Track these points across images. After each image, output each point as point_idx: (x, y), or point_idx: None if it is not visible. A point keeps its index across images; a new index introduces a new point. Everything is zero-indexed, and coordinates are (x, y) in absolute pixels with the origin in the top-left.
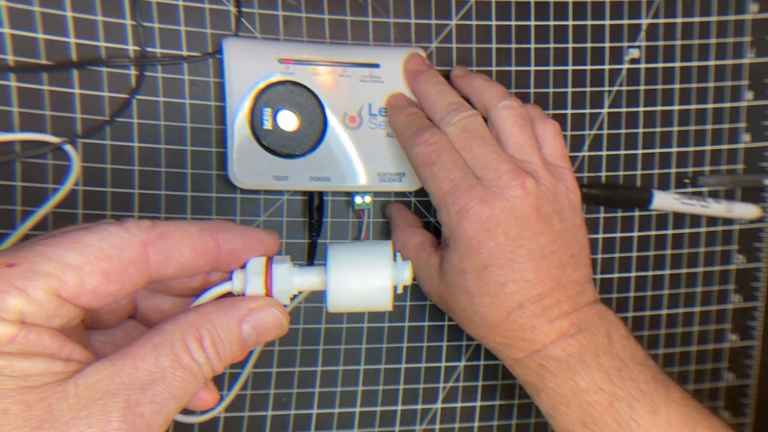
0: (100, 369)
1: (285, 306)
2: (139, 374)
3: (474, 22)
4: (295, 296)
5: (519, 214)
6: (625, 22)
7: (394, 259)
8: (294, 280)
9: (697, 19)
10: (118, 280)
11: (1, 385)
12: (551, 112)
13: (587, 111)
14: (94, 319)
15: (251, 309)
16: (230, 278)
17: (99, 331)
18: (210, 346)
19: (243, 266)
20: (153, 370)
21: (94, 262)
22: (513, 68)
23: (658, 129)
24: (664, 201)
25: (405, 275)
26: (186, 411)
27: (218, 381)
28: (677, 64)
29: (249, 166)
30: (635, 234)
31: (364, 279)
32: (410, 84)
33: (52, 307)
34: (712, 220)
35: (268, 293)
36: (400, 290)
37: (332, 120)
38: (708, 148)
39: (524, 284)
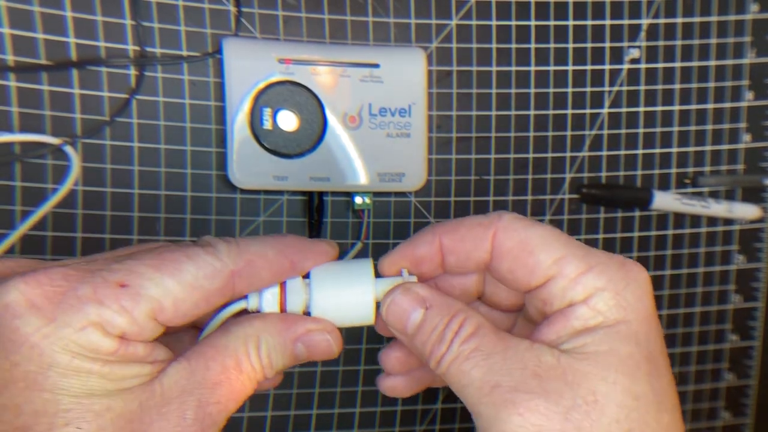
0: (179, 369)
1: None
2: (210, 375)
3: (474, 22)
4: None
5: None
6: (626, 22)
7: (376, 275)
8: (303, 297)
9: (697, 19)
10: (205, 305)
11: (104, 386)
12: (551, 112)
13: (587, 111)
14: None
15: (309, 330)
16: (245, 297)
17: None
18: (265, 357)
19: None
20: (220, 371)
21: (189, 290)
22: (513, 68)
23: (658, 129)
24: (665, 201)
25: (382, 290)
26: None
27: None
28: (678, 64)
29: (249, 166)
30: (636, 234)
31: (346, 302)
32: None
33: (149, 329)
34: (713, 221)
35: (283, 311)
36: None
37: (332, 120)
38: (708, 148)
39: None
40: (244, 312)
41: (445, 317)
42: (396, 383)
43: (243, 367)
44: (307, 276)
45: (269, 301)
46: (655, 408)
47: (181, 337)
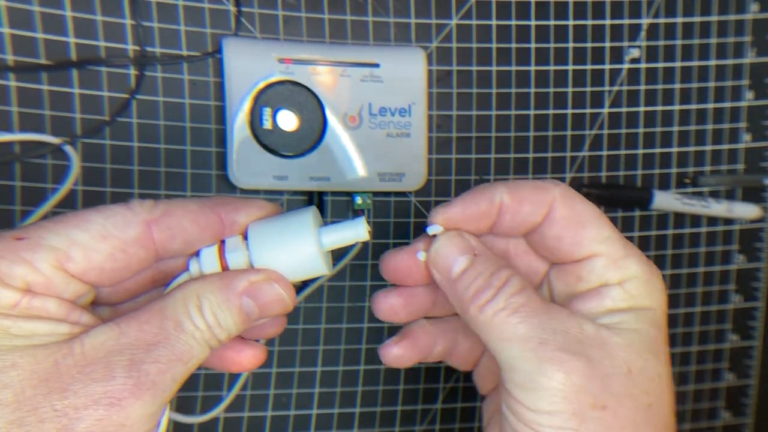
0: (106, 331)
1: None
2: (144, 336)
3: (474, 22)
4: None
5: None
6: (626, 21)
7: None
8: (242, 258)
9: (697, 19)
10: (123, 258)
11: (8, 342)
12: (551, 112)
13: (588, 111)
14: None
15: (252, 282)
16: (187, 268)
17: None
18: (210, 315)
19: (197, 254)
20: (157, 332)
21: (99, 240)
22: (513, 68)
23: (658, 129)
24: (665, 201)
25: (330, 239)
26: (186, 411)
27: (217, 381)
28: (678, 64)
29: (249, 166)
30: (636, 234)
31: (288, 253)
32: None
33: (58, 281)
34: (713, 220)
35: (224, 269)
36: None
37: (332, 120)
38: (708, 148)
39: None
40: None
41: (492, 267)
42: (401, 352)
43: (185, 327)
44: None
45: (208, 261)
46: (668, 387)
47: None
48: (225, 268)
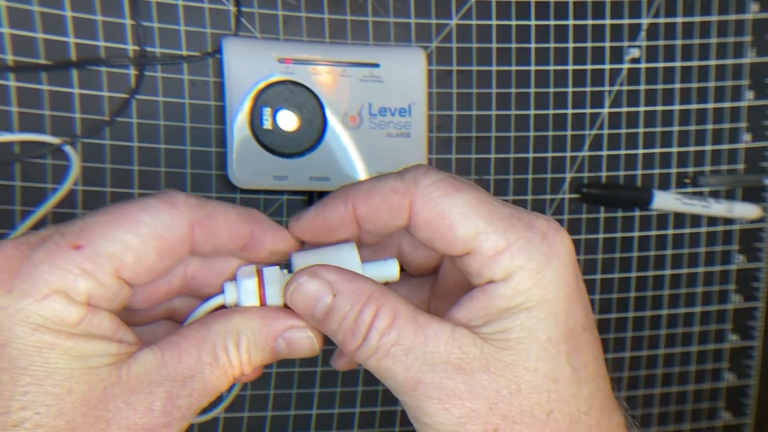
0: (150, 358)
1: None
2: (183, 367)
3: (474, 22)
4: None
5: None
6: (626, 21)
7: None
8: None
9: (697, 19)
10: (168, 257)
11: (68, 365)
12: (551, 112)
13: (588, 111)
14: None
15: (291, 327)
16: (222, 291)
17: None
18: (245, 353)
19: (234, 278)
20: (194, 364)
21: (149, 242)
22: (513, 68)
23: (658, 129)
24: (665, 201)
25: (368, 273)
26: None
27: None
28: (678, 64)
29: (249, 166)
30: (636, 234)
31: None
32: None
33: (115, 289)
34: (713, 220)
35: (262, 303)
36: None
37: (332, 120)
38: (709, 148)
39: None
40: (221, 307)
41: (357, 305)
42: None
43: (220, 362)
44: (284, 266)
45: (248, 293)
46: (576, 383)
47: (154, 331)
48: (263, 302)
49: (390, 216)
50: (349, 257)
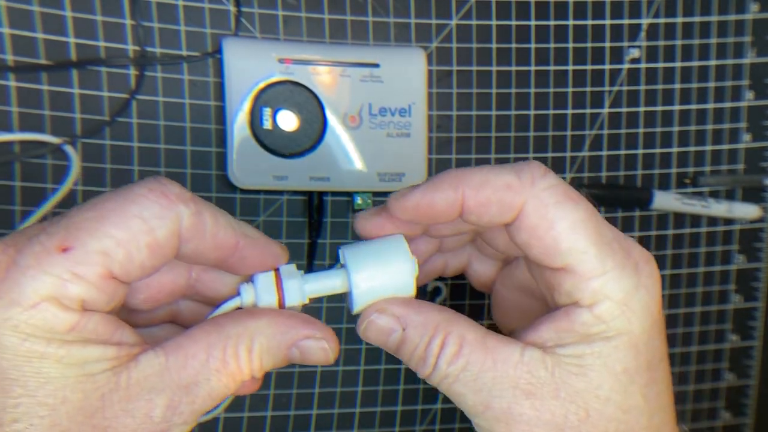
0: (152, 362)
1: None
2: (187, 373)
3: (474, 22)
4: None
5: None
6: (626, 21)
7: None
8: (306, 288)
9: (697, 19)
10: (160, 253)
11: (61, 373)
12: (551, 112)
13: (588, 111)
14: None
15: (307, 336)
16: (238, 293)
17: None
18: (257, 359)
19: (250, 279)
20: (200, 369)
21: (140, 236)
22: (513, 68)
23: (658, 129)
24: (665, 201)
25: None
26: None
27: None
28: (678, 64)
29: (249, 166)
30: (636, 234)
31: (387, 275)
32: None
33: (109, 290)
34: (713, 221)
35: (281, 307)
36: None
37: (332, 120)
38: (709, 148)
39: None
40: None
41: (425, 336)
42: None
43: (229, 368)
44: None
45: (266, 293)
46: (647, 415)
47: (158, 334)
48: (281, 303)
49: (499, 211)
50: (400, 247)
